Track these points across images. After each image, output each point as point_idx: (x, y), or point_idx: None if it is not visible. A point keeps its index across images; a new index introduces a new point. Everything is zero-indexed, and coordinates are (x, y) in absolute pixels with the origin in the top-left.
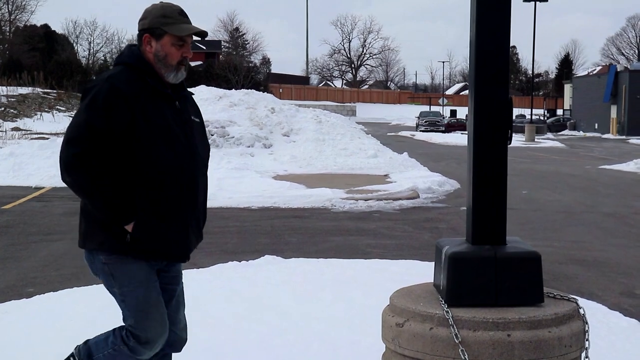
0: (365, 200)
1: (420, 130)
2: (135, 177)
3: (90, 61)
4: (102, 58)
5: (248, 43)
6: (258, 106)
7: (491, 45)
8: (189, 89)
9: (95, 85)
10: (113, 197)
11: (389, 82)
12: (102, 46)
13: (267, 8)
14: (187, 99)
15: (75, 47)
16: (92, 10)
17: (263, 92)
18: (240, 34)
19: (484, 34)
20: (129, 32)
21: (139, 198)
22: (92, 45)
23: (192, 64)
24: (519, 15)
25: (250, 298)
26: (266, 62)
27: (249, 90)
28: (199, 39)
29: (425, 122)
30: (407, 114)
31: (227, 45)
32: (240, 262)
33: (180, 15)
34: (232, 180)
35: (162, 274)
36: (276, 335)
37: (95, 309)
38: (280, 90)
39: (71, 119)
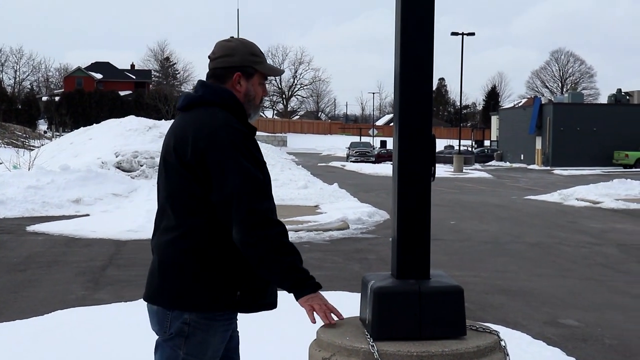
0: (296, 231)
1: (351, 161)
2: None
3: (16, 90)
4: (29, 87)
5: (179, 73)
6: None
7: (415, 82)
8: (119, 119)
9: (219, 130)
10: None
11: (320, 113)
12: (28, 74)
13: (199, 38)
14: None
15: (0, 75)
16: (19, 38)
17: None
18: (171, 63)
19: (408, 71)
20: (57, 60)
21: None
22: (17, 73)
23: (122, 93)
24: (448, 48)
25: None
26: None
27: None
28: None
29: (356, 152)
30: (337, 144)
31: (158, 74)
32: None
33: (262, 54)
34: None
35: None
36: None
37: (19, 345)
38: None
39: (230, 170)
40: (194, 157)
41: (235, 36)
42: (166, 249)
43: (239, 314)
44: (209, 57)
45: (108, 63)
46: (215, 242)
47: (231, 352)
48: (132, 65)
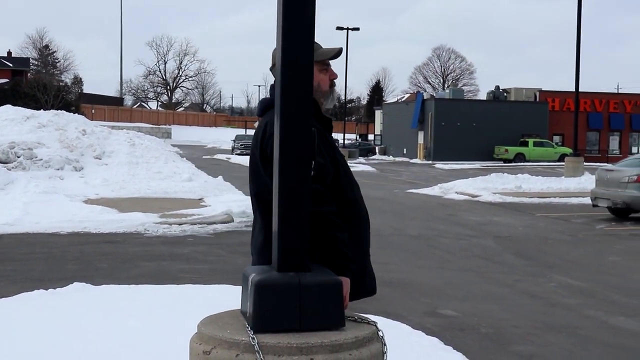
0: (179, 224)
1: (236, 154)
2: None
3: None
4: None
5: (59, 61)
6: (68, 127)
7: (295, 77)
8: None
9: None
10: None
11: (205, 105)
12: None
13: (81, 26)
14: None
15: None
16: None
17: (74, 112)
18: (51, 51)
19: (289, 66)
20: None
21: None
22: None
23: None
24: (334, 42)
25: (57, 328)
26: (78, 81)
27: (59, 111)
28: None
29: (241, 145)
30: (223, 137)
31: (36, 63)
32: (47, 290)
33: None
34: (40, 205)
35: None
36: None
37: None
38: (93, 111)
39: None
40: (269, 151)
41: (120, 26)
42: (262, 249)
43: None
44: (270, 69)
45: None
46: None
47: None
48: (9, 53)
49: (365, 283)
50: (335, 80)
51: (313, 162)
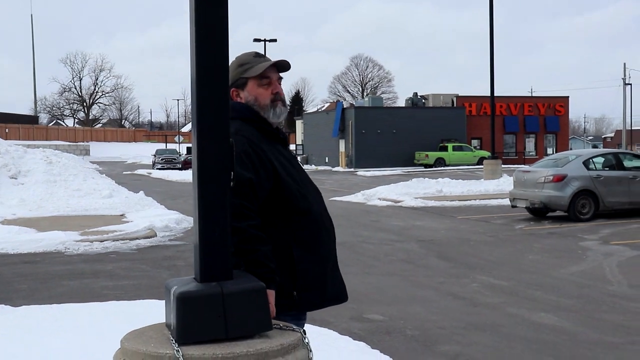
0: (101, 241)
1: (157, 168)
2: (286, 228)
3: None
4: None
5: None
6: None
7: (211, 88)
8: None
9: (233, 138)
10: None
11: (124, 121)
12: None
13: None
14: None
15: None
16: None
17: None
18: None
19: (203, 77)
20: None
21: (296, 248)
22: None
23: None
24: None
25: None
26: None
27: None
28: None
29: (162, 159)
30: (143, 152)
31: None
32: None
33: (256, 57)
34: None
35: None
36: None
37: None
38: (7, 130)
39: None
40: None
41: (31, 43)
42: None
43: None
44: None
45: None
46: None
47: None
48: None
49: (327, 290)
50: (280, 96)
51: (232, 172)
